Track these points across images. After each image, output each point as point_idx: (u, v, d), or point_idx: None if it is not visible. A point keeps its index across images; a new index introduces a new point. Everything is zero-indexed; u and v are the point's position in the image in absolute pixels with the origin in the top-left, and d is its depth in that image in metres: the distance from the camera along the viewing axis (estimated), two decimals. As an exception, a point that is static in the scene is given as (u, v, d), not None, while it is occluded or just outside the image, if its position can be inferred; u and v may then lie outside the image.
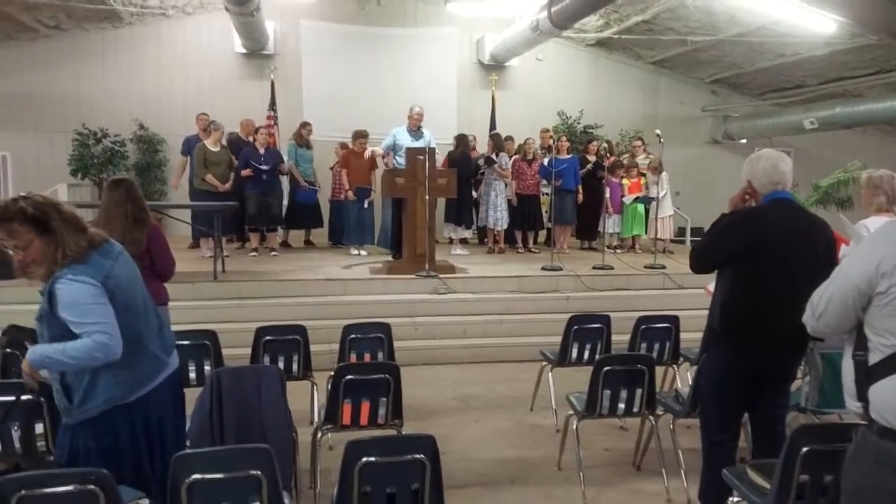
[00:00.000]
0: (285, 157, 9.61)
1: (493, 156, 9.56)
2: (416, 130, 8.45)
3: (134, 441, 2.53)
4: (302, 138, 9.83)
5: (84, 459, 2.44)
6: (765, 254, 3.02)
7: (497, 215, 9.60)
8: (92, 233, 2.45)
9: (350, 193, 9.23)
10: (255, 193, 8.91)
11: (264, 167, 8.85)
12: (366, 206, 9.17)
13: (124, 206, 3.91)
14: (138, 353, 2.51)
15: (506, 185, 9.66)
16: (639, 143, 10.73)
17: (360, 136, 9.29)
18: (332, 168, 10.29)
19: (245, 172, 8.82)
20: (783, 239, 3.03)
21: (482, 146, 10.10)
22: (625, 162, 10.42)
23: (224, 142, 9.02)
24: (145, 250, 3.95)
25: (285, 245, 10.11)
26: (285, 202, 9.76)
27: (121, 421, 2.50)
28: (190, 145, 9.21)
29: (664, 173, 9.85)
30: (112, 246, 2.49)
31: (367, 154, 8.82)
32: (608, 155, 10.19)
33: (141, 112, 11.52)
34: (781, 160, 3.18)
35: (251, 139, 9.28)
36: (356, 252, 9.33)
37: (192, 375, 4.03)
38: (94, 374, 2.45)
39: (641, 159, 10.45)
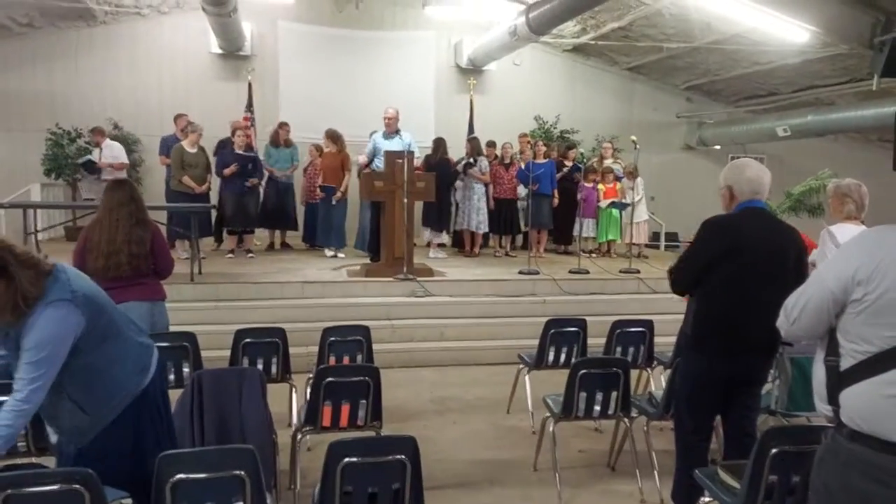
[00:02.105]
0: (262, 157, 9.61)
1: (471, 160, 9.63)
2: (392, 133, 8.47)
3: (154, 434, 2.58)
4: (278, 138, 9.82)
5: (115, 464, 2.44)
6: (738, 261, 3.09)
7: (480, 218, 9.67)
8: (41, 263, 2.37)
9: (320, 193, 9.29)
10: (233, 195, 8.89)
11: (251, 154, 8.88)
12: (333, 202, 9.17)
13: (128, 207, 4.02)
14: (127, 344, 2.55)
15: (485, 188, 9.75)
16: (608, 145, 10.88)
17: (330, 137, 9.31)
18: (305, 170, 10.30)
19: (228, 171, 8.78)
20: (756, 246, 3.10)
21: (459, 150, 10.17)
22: (595, 166, 10.55)
23: (202, 143, 8.98)
24: (149, 250, 4.02)
25: (271, 248, 10.11)
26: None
27: (141, 414, 2.54)
28: (167, 146, 9.16)
29: (639, 179, 9.99)
30: (58, 265, 2.45)
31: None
32: (584, 161, 10.32)
33: (116, 112, 11.41)
34: (765, 172, 3.24)
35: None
36: (331, 254, 9.35)
37: (171, 377, 4.03)
38: (100, 379, 2.46)
39: (610, 163, 10.57)
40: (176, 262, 4.59)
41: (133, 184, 4.29)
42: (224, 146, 9.41)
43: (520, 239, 10.62)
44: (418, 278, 7.50)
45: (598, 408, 3.89)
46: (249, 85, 11.36)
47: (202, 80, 11.86)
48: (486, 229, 9.81)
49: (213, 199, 8.99)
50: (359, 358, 4.50)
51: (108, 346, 2.46)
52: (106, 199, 4.07)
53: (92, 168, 10.02)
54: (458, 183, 9.73)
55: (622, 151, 11.59)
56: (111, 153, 9.91)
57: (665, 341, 5.08)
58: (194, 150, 8.70)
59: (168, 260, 4.28)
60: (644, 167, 10.58)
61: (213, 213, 8.95)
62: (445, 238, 10.08)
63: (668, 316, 6.00)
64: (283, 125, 9.97)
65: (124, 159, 9.98)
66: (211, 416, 3.22)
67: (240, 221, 9.04)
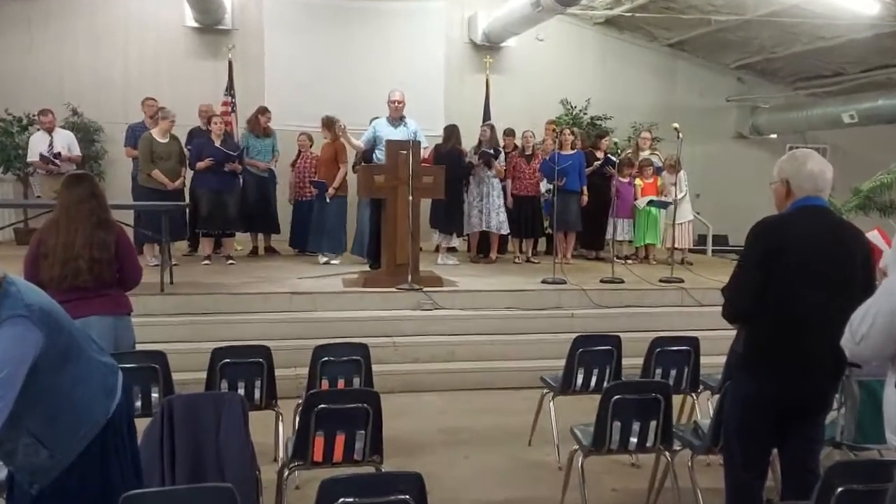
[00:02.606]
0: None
1: (491, 150, 9.58)
2: (397, 120, 8.50)
3: (119, 470, 2.58)
4: (258, 126, 9.88)
5: None
6: (790, 264, 3.07)
7: (500, 219, 9.68)
8: None
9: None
10: (209, 191, 8.94)
11: (232, 153, 8.96)
12: (328, 200, 9.19)
13: (88, 205, 4.03)
14: (90, 365, 2.56)
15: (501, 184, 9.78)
16: (646, 135, 10.85)
17: (325, 124, 9.35)
18: (294, 163, 10.32)
19: (202, 165, 8.84)
20: (811, 249, 3.08)
21: (472, 139, 10.18)
22: (631, 158, 10.53)
23: (175, 132, 9.04)
24: (113, 255, 4.04)
25: (254, 253, 10.16)
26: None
27: (107, 447, 2.54)
28: (135, 135, 9.23)
29: (682, 172, 9.97)
30: (6, 277, 2.45)
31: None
32: (618, 152, 10.32)
33: (74, 96, 11.48)
34: (828, 167, 3.21)
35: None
36: (324, 260, 9.38)
37: (138, 404, 4.04)
38: (63, 406, 2.46)
39: (647, 155, 10.56)
40: (144, 269, 4.61)
41: (94, 179, 4.31)
42: (196, 136, 9.45)
43: (543, 243, 10.62)
44: (425, 288, 7.50)
45: (634, 440, 3.87)
46: (230, 64, 11.42)
47: (175, 59, 11.94)
48: (507, 231, 9.83)
49: (189, 196, 9.05)
50: (356, 381, 4.50)
51: (71, 367, 2.46)
52: (63, 197, 4.09)
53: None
54: (472, 177, 9.73)
55: (661, 141, 11.57)
56: (62, 142, 9.80)
57: (713, 362, 5.05)
58: (165, 140, 8.75)
59: (135, 267, 4.29)
60: (688, 159, 10.56)
61: (188, 213, 9.01)
62: (457, 241, 10.08)
63: (717, 332, 5.94)
64: (263, 111, 10.02)
65: (77, 151, 10.00)
66: (183, 449, 3.22)
67: (217, 223, 9.08)
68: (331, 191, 9.18)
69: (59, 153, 9.50)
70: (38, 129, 9.82)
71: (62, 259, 3.99)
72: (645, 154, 10.58)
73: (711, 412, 4.15)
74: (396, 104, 8.44)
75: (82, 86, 11.62)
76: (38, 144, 9.61)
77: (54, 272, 3.98)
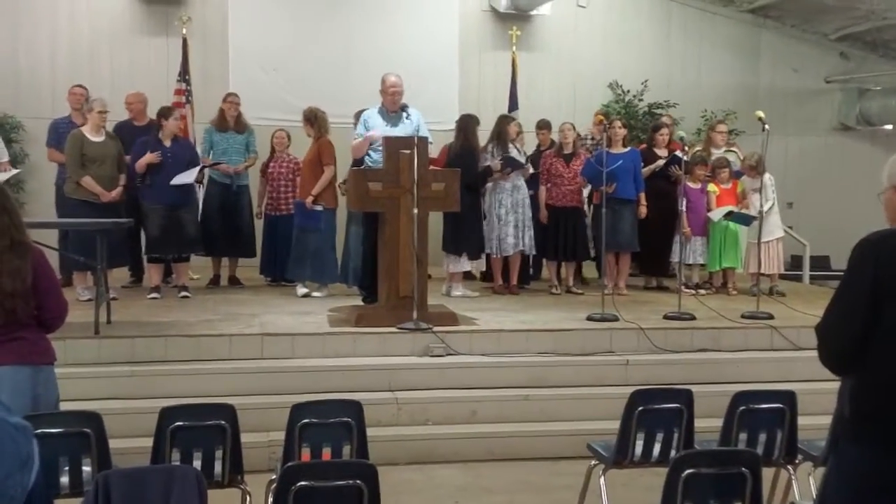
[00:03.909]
0: (199, 151, 9.72)
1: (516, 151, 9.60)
2: (394, 112, 8.52)
3: None
4: (225, 118, 9.95)
5: None
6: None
7: (531, 235, 9.71)
8: None
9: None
10: (162, 207, 8.98)
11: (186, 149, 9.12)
12: (319, 208, 9.22)
13: None
14: None
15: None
16: (722, 128, 10.78)
17: (308, 119, 9.43)
18: (265, 168, 10.33)
19: (146, 160, 8.87)
20: None
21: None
22: (703, 156, 10.49)
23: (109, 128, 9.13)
24: (30, 287, 4.04)
25: (214, 283, 10.19)
26: None
27: None
28: (60, 132, 9.29)
29: (767, 176, 9.93)
30: None
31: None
32: (685, 148, 10.29)
33: (-14, 84, 11.64)
34: None
35: (145, 124, 9.46)
36: (303, 292, 9.40)
37: (65, 480, 4.02)
38: None
39: (721, 153, 10.51)
40: (72, 305, 4.62)
41: (5, 189, 4.30)
42: (126, 130, 9.48)
43: (589, 268, 10.61)
44: (435, 328, 7.47)
45: (712, 527, 3.82)
46: (184, 42, 11.53)
47: (115, 38, 12.09)
48: (533, 251, 9.86)
49: (132, 211, 9.07)
50: (346, 450, 4.47)
51: None
52: None
53: None
54: (488, 185, 9.74)
55: (739, 136, 11.53)
56: None
57: (814, 423, 5.01)
58: (100, 139, 8.80)
59: (59, 302, 4.28)
60: (777, 158, 10.56)
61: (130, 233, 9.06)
62: (471, 265, 10.04)
63: (819, 384, 5.87)
64: (230, 97, 10.08)
65: (5, 157, 10.06)
66: (122, 539, 3.20)
67: (173, 245, 9.13)
68: (308, 199, 9.19)
69: None
70: None
71: None
72: (719, 152, 10.53)
73: (814, 490, 4.09)
74: (391, 91, 8.46)
75: (-3, 71, 11.74)
76: None
77: (-47, 310, 3.98)
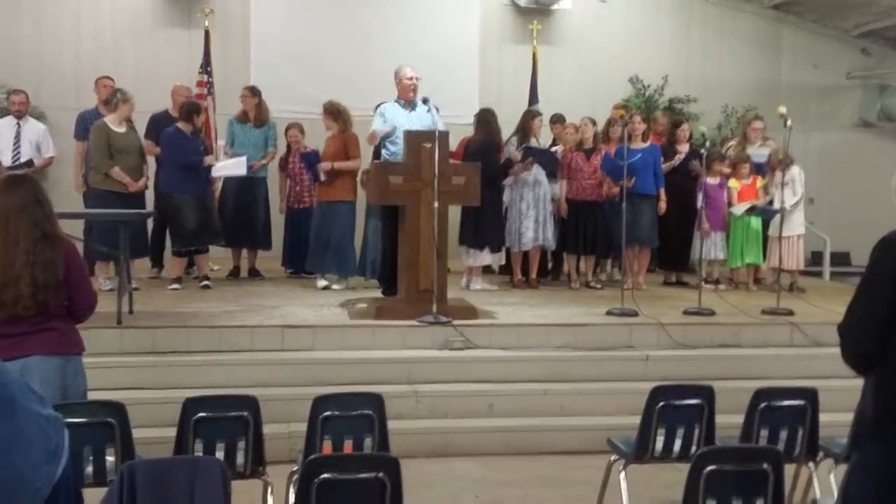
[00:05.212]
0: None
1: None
2: (410, 104, 8.52)
3: None
4: (246, 112, 9.98)
5: None
6: None
7: (552, 230, 9.72)
8: None
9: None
10: (192, 197, 9.01)
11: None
12: (323, 178, 9.24)
13: (31, 213, 4.06)
14: (27, 419, 2.53)
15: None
16: (758, 124, 10.68)
17: (330, 113, 9.43)
18: (282, 165, 10.35)
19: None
20: None
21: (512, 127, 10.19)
22: (729, 153, 10.42)
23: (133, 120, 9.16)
24: (62, 279, 4.06)
25: (234, 274, 10.23)
26: None
27: None
28: (87, 125, 9.32)
29: (797, 170, 9.86)
30: None
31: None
32: (705, 144, 10.22)
33: (12, 75, 11.61)
34: None
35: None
36: (323, 284, 9.42)
37: (89, 470, 4.05)
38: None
39: (756, 149, 10.45)
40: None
41: (37, 181, 4.33)
42: (165, 122, 9.52)
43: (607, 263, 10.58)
44: (455, 322, 7.47)
45: (734, 524, 3.81)
46: (206, 34, 11.55)
47: (139, 29, 12.13)
48: (553, 246, 9.87)
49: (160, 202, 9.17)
50: (367, 442, 4.48)
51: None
52: None
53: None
54: (509, 179, 9.75)
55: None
56: (31, 137, 9.80)
57: (836, 419, 4.94)
58: (123, 130, 8.86)
59: (89, 294, 4.33)
60: (797, 154, 10.44)
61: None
62: (493, 259, 10.03)
63: (841, 381, 5.84)
64: (252, 91, 10.09)
65: (51, 151, 10.03)
66: (147, 529, 3.21)
67: (206, 236, 9.19)
68: (325, 165, 9.18)
69: (31, 160, 9.57)
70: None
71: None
72: (754, 148, 10.45)
73: (835, 488, 4.06)
74: (409, 83, 8.46)
75: (22, 62, 11.77)
76: None
77: (-13, 301, 4.00)
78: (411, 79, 8.47)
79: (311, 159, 9.34)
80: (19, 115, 9.77)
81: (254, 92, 10.13)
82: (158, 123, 9.61)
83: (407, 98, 8.51)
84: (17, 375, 2.66)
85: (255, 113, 10.05)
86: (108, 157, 8.70)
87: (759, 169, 10.20)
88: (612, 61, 13.08)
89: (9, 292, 4.01)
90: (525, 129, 9.76)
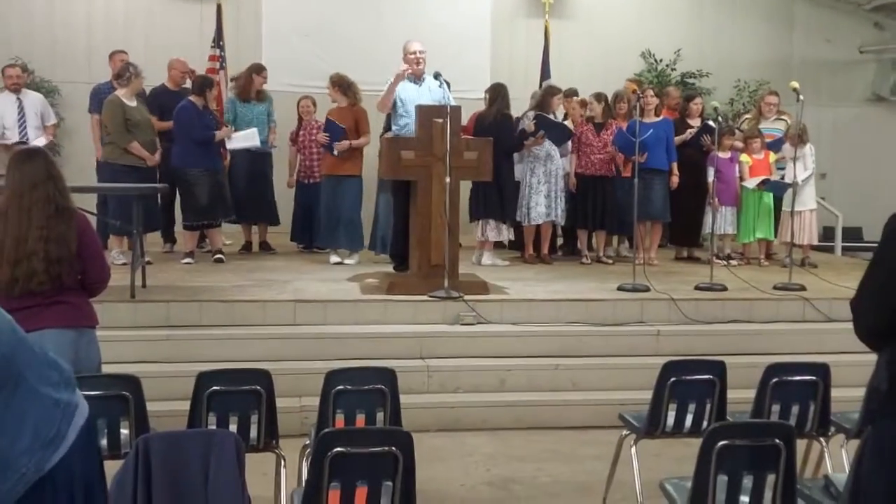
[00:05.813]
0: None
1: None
2: (419, 77, 8.49)
3: None
4: (250, 89, 9.96)
5: None
6: None
7: (563, 206, 9.70)
8: None
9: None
10: (206, 172, 9.03)
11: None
12: (335, 153, 9.22)
13: (44, 189, 4.07)
14: (26, 401, 2.50)
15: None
16: (772, 99, 10.61)
17: (337, 85, 9.40)
18: (294, 136, 10.35)
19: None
20: None
21: (526, 103, 10.13)
22: (742, 127, 10.36)
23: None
24: (75, 253, 4.09)
25: (246, 249, 10.26)
26: None
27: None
28: (101, 98, 9.28)
29: (809, 146, 9.81)
30: None
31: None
32: (718, 119, 10.16)
33: (24, 49, 11.63)
34: None
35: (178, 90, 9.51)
36: (335, 260, 9.43)
37: (104, 442, 4.06)
38: None
39: (770, 124, 10.40)
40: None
41: (49, 155, 4.33)
42: (166, 97, 9.51)
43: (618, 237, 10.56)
44: (466, 297, 7.48)
45: (746, 499, 3.80)
46: (219, 8, 11.54)
47: (151, 3, 12.11)
48: (563, 222, 9.86)
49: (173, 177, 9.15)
50: (379, 417, 4.48)
51: None
52: (11, 179, 4.11)
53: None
54: (527, 153, 9.72)
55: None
56: (33, 109, 9.70)
57: (848, 395, 4.96)
58: (135, 104, 8.88)
59: (103, 267, 4.35)
60: (810, 129, 10.35)
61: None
62: (504, 234, 10.02)
63: (852, 356, 5.83)
64: (259, 69, 10.08)
65: (52, 119, 10.00)
66: (163, 501, 3.22)
67: (220, 211, 9.23)
68: (343, 144, 9.15)
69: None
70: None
71: (13, 259, 4.03)
72: (768, 123, 10.40)
73: (847, 464, 4.05)
74: (414, 57, 8.43)
75: (34, 37, 11.80)
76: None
77: (3, 275, 4.02)
78: (414, 53, 8.44)
79: (335, 130, 9.24)
80: (16, 90, 9.60)
81: (261, 69, 10.14)
82: (158, 97, 9.65)
83: (414, 72, 8.49)
84: (41, 351, 2.62)
85: (258, 90, 10.06)
86: (126, 131, 8.71)
87: (770, 145, 10.15)
88: (624, 35, 13.02)
89: (22, 268, 4.02)
90: (544, 105, 9.72)
